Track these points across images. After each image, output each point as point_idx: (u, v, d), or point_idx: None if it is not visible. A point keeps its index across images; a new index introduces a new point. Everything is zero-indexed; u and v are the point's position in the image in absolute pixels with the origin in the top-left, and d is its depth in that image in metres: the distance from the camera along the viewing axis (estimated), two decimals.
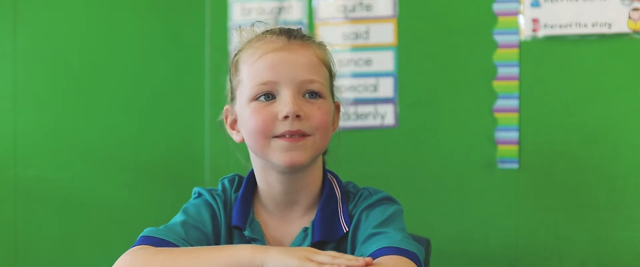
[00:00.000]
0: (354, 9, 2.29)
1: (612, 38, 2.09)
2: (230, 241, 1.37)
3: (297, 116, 1.29)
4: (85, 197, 2.39)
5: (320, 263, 1.16)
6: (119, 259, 1.25)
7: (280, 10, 2.34)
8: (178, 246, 1.29)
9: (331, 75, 1.39)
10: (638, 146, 2.09)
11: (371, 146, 2.28)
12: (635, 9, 2.07)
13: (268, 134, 1.30)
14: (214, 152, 2.40)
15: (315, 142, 1.31)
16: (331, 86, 1.39)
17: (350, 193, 1.42)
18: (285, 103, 1.29)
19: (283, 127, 1.29)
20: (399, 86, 2.25)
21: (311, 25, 2.32)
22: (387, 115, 2.26)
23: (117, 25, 2.41)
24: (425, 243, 1.76)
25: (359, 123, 2.28)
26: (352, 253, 1.34)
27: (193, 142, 2.45)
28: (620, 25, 2.08)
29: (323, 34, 2.31)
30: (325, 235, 1.33)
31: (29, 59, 2.37)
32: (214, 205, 1.39)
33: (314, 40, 1.39)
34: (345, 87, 2.29)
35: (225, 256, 1.20)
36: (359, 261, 1.18)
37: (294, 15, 2.34)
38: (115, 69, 2.40)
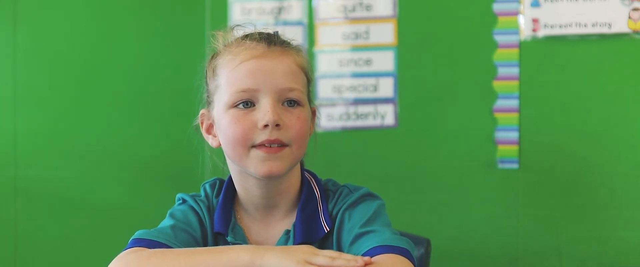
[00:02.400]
0: (354, 9, 2.29)
1: (612, 38, 2.09)
2: (215, 245, 1.36)
3: (277, 125, 1.28)
4: (85, 197, 2.39)
5: (318, 266, 1.15)
6: (112, 262, 1.24)
7: (280, 10, 2.34)
8: (171, 247, 1.28)
9: (308, 81, 1.38)
10: (638, 146, 2.09)
11: (371, 146, 2.27)
12: (635, 9, 2.07)
13: (247, 144, 1.29)
14: (214, 152, 2.39)
15: (292, 152, 1.30)
16: (308, 92, 1.38)
17: (329, 191, 1.40)
18: (265, 112, 1.28)
19: (262, 136, 1.28)
20: (399, 86, 2.25)
21: (311, 25, 2.32)
22: (387, 115, 2.26)
23: (117, 25, 2.40)
24: (425, 243, 1.76)
25: (359, 123, 2.28)
26: None
27: (193, 142, 2.44)
28: (620, 25, 2.08)
29: (323, 34, 2.31)
30: (307, 236, 1.33)
31: (29, 59, 2.37)
32: (199, 211, 1.38)
33: (292, 46, 1.38)
34: (345, 87, 2.29)
35: (221, 259, 1.19)
36: (358, 262, 1.17)
37: (294, 15, 2.33)
38: (115, 69, 2.40)
